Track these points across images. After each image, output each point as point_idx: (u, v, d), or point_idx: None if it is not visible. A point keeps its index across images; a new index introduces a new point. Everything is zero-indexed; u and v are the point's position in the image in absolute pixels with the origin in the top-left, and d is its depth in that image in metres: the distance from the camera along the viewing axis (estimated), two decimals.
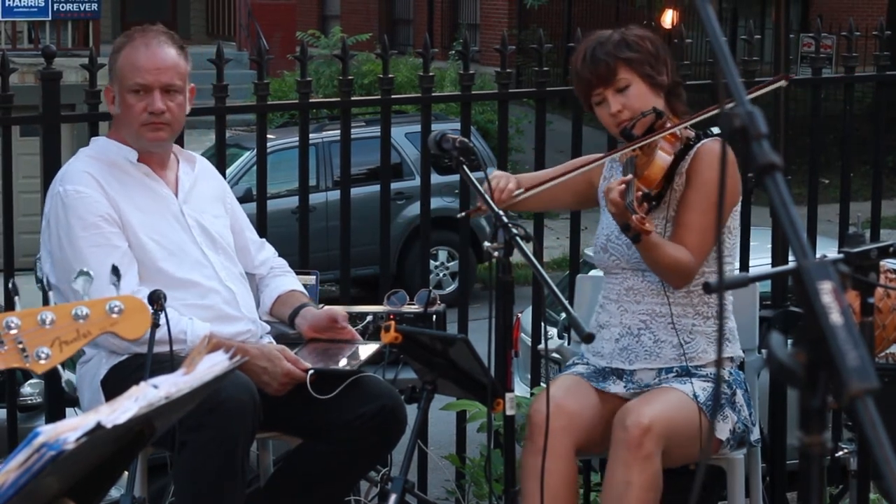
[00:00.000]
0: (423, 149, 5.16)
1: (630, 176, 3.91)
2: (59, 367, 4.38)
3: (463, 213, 4.50)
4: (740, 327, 4.30)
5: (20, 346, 2.63)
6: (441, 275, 15.17)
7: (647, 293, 4.12)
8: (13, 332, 2.64)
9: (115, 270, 3.33)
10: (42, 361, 2.63)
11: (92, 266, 3.70)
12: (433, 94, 5.27)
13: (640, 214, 3.82)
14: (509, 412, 3.70)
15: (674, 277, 4.05)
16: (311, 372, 3.97)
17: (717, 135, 4.13)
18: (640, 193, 3.89)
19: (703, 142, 4.10)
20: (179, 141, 4.38)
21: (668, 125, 4.05)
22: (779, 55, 4.71)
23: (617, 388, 4.12)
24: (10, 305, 4.64)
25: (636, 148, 4.04)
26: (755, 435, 4.19)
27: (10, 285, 4.40)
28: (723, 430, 4.07)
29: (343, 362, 4.09)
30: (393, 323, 3.76)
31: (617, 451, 3.90)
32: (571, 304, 4.39)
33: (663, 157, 4.01)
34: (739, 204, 4.23)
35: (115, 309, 2.71)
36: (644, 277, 4.12)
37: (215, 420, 3.67)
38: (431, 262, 14.65)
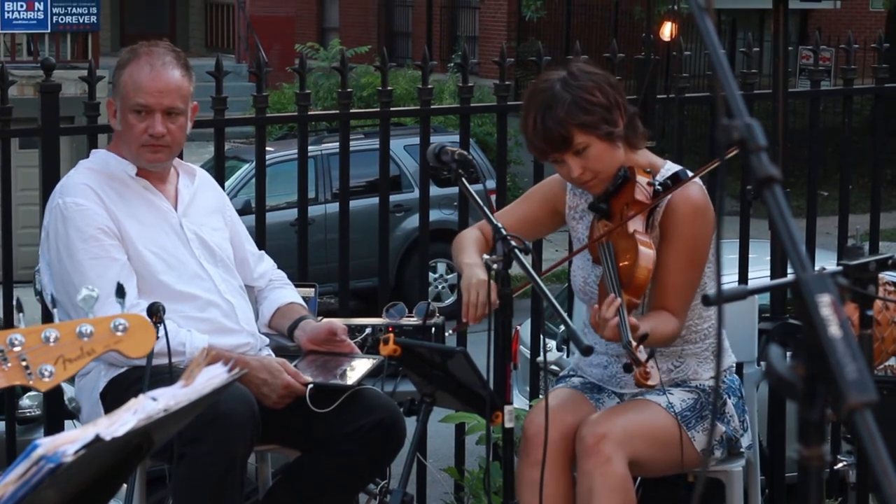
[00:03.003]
0: (422, 161, 5.16)
1: (618, 300, 3.69)
2: (62, 385, 4.37)
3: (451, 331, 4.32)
4: (740, 340, 4.29)
5: (24, 363, 2.62)
6: (440, 287, 15.15)
7: None
8: (17, 349, 2.63)
9: (121, 290, 3.34)
10: (45, 379, 2.63)
11: (91, 278, 3.71)
12: (432, 107, 5.27)
13: (644, 368, 3.63)
14: (508, 425, 3.69)
15: (665, 345, 3.98)
16: (310, 386, 3.97)
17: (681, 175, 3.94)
18: (632, 320, 3.64)
19: (674, 192, 3.91)
20: (178, 153, 4.38)
21: (637, 179, 3.89)
22: (777, 67, 4.69)
23: (611, 405, 4.09)
24: (8, 319, 4.64)
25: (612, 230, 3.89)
26: (747, 441, 4.15)
27: (14, 301, 4.41)
28: (700, 441, 3.97)
29: (341, 375, 4.08)
30: (392, 335, 3.75)
31: (579, 463, 3.87)
32: (570, 316, 4.38)
33: (647, 254, 3.83)
34: None
35: (120, 327, 2.71)
36: None
37: (214, 432, 3.66)
38: (430, 274, 14.64)
